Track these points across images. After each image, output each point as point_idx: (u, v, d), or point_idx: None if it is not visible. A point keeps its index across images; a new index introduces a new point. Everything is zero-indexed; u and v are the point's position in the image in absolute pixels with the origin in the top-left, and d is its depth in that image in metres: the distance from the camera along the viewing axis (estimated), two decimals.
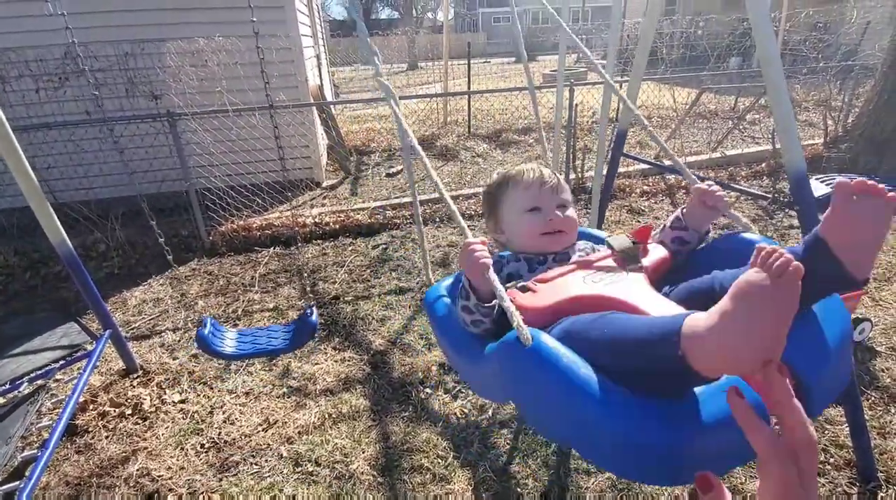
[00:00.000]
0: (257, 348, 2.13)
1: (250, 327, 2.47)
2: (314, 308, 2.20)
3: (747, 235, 1.00)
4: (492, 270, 0.89)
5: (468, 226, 1.28)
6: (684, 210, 1.08)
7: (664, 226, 1.11)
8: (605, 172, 2.76)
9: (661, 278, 0.97)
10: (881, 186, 0.74)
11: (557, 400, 0.73)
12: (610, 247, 0.99)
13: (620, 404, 0.68)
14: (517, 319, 0.80)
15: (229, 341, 2.13)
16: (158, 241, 2.22)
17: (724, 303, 0.60)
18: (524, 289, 0.95)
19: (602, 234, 1.28)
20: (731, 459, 0.73)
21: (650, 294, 0.85)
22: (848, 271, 0.76)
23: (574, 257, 1.07)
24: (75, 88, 4.51)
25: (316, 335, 2.87)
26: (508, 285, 0.99)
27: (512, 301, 0.86)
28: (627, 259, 0.95)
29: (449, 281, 1.23)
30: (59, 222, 2.21)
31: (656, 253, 1.00)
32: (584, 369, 0.71)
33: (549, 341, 0.76)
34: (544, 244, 1.10)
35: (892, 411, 2.18)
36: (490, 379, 0.92)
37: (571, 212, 1.15)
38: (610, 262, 0.97)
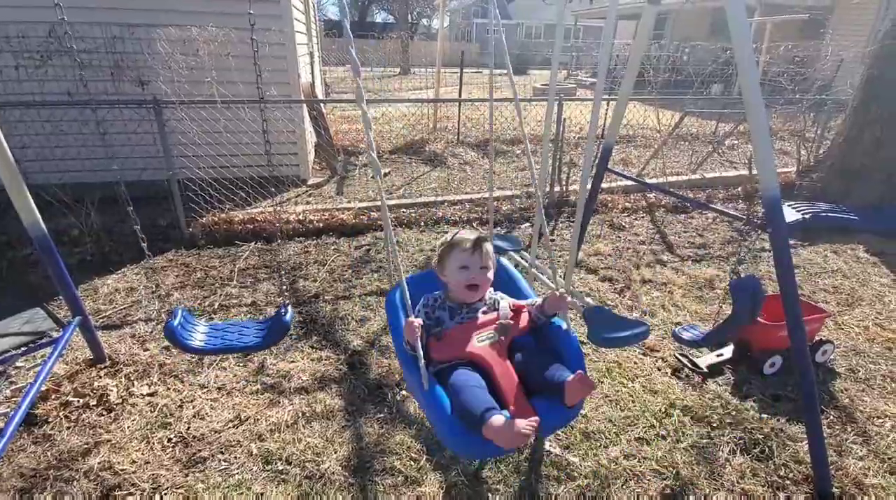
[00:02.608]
0: (228, 343, 2.07)
1: (223, 322, 2.41)
2: (289, 307, 2.14)
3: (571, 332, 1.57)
4: (418, 337, 1.39)
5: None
6: (545, 305, 1.58)
7: (535, 304, 1.61)
8: (589, 186, 2.83)
9: (518, 335, 1.55)
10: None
11: (431, 419, 1.50)
12: (496, 310, 1.57)
13: (449, 432, 1.32)
14: (423, 368, 1.38)
15: (199, 335, 2.07)
16: (134, 228, 2.13)
17: (495, 430, 1.21)
18: (438, 337, 1.51)
19: (524, 285, 1.81)
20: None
21: (502, 362, 1.43)
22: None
23: (480, 310, 1.58)
24: (58, 68, 4.38)
25: (290, 334, 2.83)
26: (434, 329, 1.56)
27: (427, 344, 1.46)
28: (502, 328, 1.49)
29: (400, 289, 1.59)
30: (33, 204, 2.15)
31: (521, 322, 1.58)
32: (446, 410, 1.33)
33: (435, 387, 1.39)
34: (465, 295, 1.58)
35: (849, 430, 2.27)
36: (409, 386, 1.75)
37: (490, 274, 1.60)
38: (491, 330, 1.51)
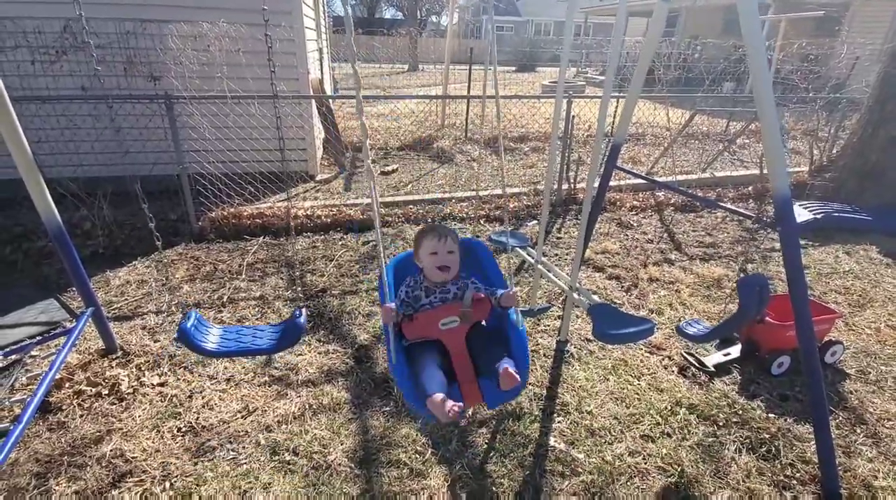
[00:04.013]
0: (241, 346, 2.03)
1: (236, 326, 2.35)
2: (303, 310, 2.12)
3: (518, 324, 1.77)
4: (391, 321, 1.66)
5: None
6: (501, 300, 1.78)
7: (495, 295, 1.80)
8: (597, 184, 2.81)
9: (478, 319, 1.76)
10: None
11: (397, 381, 1.69)
12: (460, 299, 1.75)
13: (406, 395, 1.62)
14: (391, 344, 1.62)
15: (212, 337, 2.04)
16: (149, 224, 2.14)
17: (432, 405, 1.46)
18: (410, 318, 1.70)
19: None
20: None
21: (460, 345, 1.65)
22: None
23: (451, 292, 1.78)
24: (73, 63, 4.44)
25: (303, 339, 2.84)
26: (409, 309, 1.75)
27: (399, 323, 1.68)
28: (464, 315, 1.68)
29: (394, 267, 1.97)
30: (50, 197, 2.19)
31: (482, 311, 1.75)
32: (406, 378, 1.60)
33: (401, 360, 1.63)
34: (436, 275, 1.76)
35: (858, 431, 2.25)
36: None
37: (455, 257, 1.78)
38: (454, 315, 1.68)
